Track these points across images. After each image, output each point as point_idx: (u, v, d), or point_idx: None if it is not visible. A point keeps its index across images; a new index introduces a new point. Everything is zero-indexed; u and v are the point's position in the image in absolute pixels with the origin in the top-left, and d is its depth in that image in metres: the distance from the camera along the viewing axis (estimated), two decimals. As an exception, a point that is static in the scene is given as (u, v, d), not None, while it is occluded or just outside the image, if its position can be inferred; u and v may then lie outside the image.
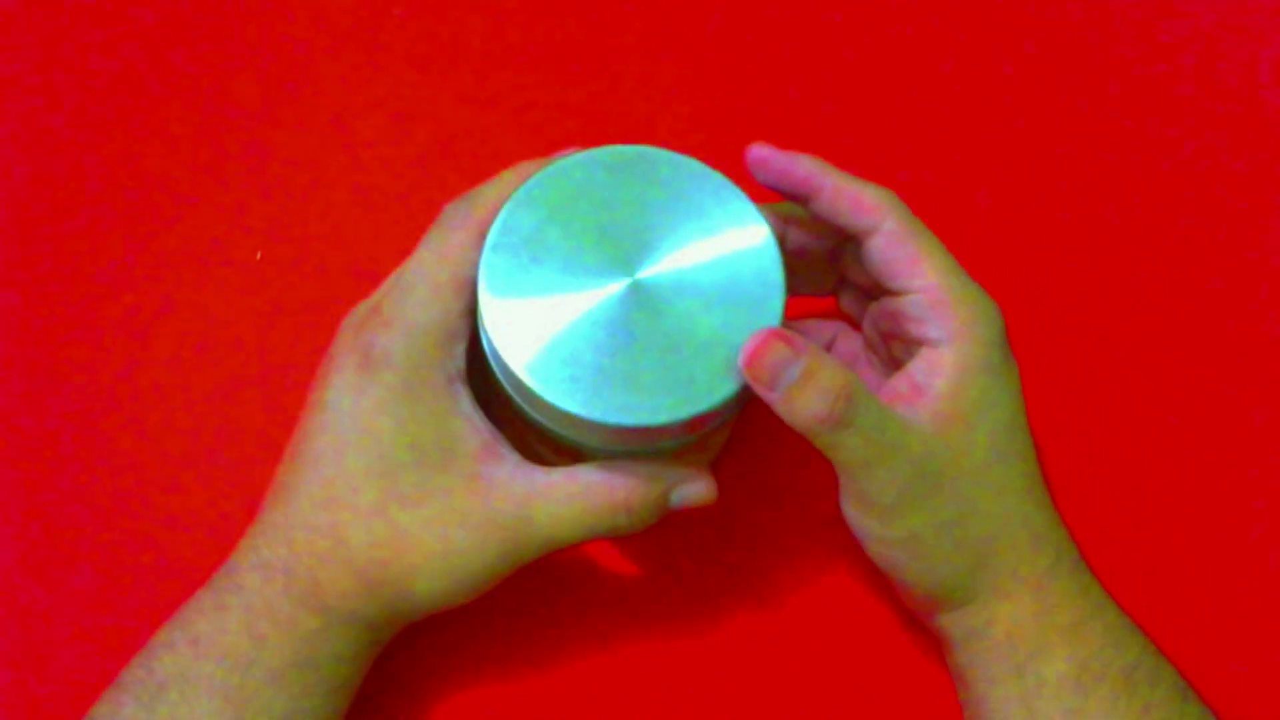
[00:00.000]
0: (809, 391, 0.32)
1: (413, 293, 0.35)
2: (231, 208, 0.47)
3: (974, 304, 0.35)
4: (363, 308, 0.37)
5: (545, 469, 0.34)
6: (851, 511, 0.35)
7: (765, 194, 0.36)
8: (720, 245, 0.34)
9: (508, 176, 0.36)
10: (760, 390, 0.32)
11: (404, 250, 0.37)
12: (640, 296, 0.33)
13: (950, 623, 0.36)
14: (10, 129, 0.48)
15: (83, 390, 0.44)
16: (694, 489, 0.35)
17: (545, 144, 0.48)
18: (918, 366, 0.35)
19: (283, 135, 0.49)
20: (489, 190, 0.36)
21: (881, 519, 0.34)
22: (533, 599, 0.41)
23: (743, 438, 0.43)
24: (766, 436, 0.43)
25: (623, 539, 0.42)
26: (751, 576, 0.42)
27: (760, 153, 0.36)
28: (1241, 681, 0.41)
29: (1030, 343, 0.46)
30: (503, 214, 0.34)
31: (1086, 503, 0.43)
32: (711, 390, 0.32)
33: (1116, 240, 0.48)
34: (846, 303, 0.41)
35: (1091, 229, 0.48)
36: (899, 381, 0.36)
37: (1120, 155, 0.50)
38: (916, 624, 0.40)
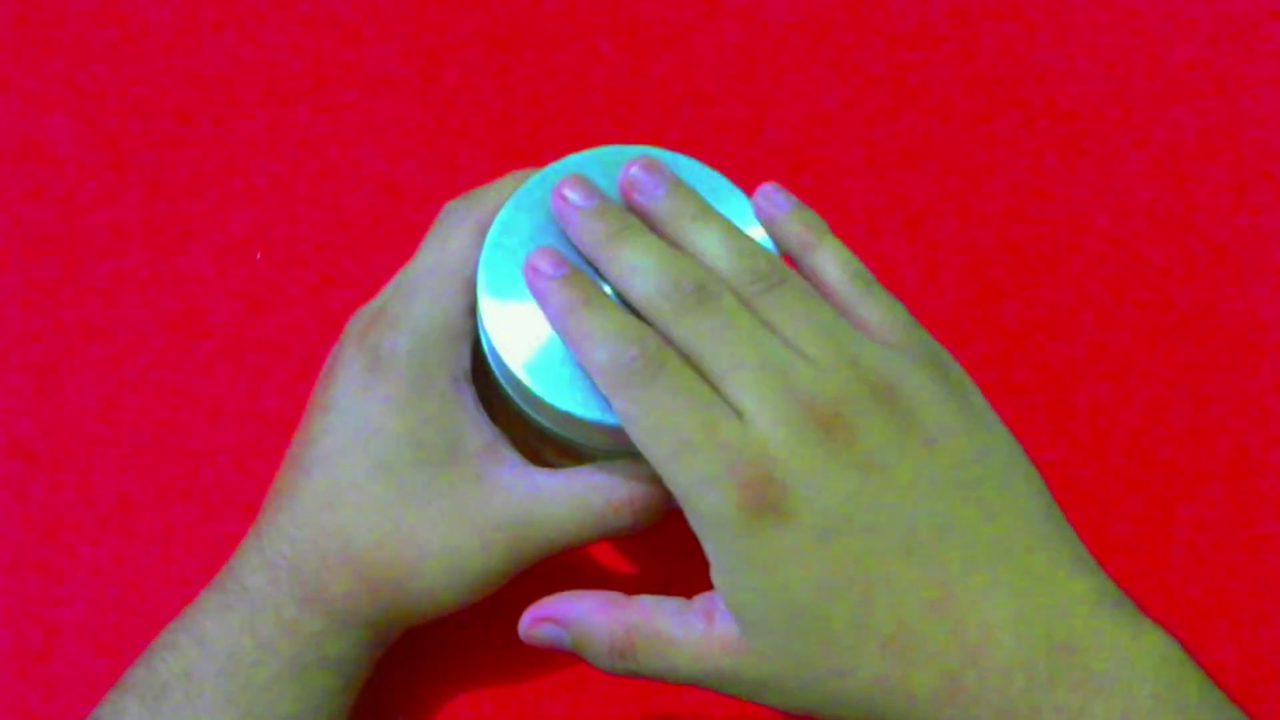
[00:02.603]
0: (587, 652, 0.32)
1: (417, 294, 0.35)
2: (231, 208, 0.47)
3: (691, 492, 0.29)
4: (368, 309, 0.37)
5: (547, 470, 0.35)
6: None
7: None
8: None
9: (508, 178, 0.36)
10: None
11: (404, 250, 0.37)
12: None
13: None
14: (9, 128, 0.48)
15: (83, 390, 0.44)
16: None
17: (545, 143, 0.48)
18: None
19: (283, 134, 0.49)
20: (489, 190, 0.36)
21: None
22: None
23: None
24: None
25: (623, 539, 0.42)
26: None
27: (758, 201, 0.34)
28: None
29: (1026, 346, 0.46)
30: (502, 214, 0.34)
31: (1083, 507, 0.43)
32: None
33: (1112, 245, 0.48)
34: None
35: (1085, 232, 0.48)
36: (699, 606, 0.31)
37: (1115, 158, 0.50)
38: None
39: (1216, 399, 0.45)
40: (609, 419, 0.32)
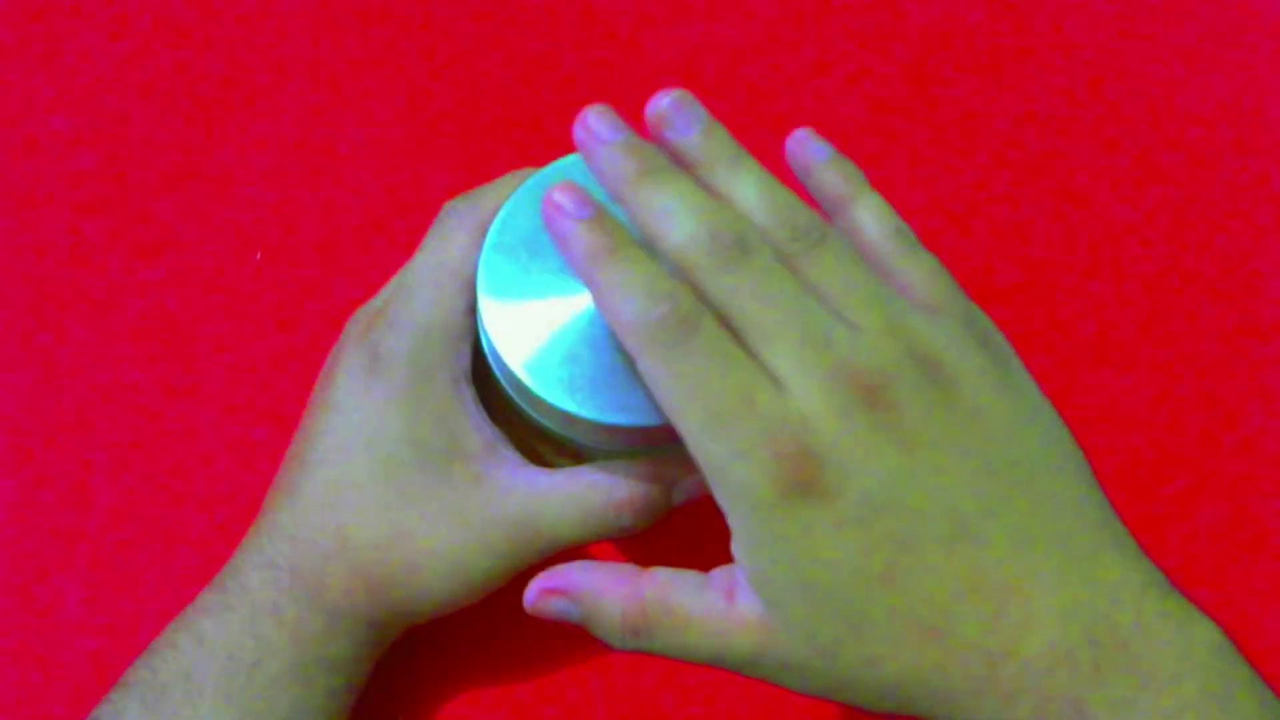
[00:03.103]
0: (598, 627, 0.30)
1: (418, 293, 0.35)
2: (231, 208, 0.47)
3: (723, 464, 0.27)
4: (367, 309, 0.37)
5: (546, 470, 0.35)
6: None
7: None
8: None
9: (508, 178, 0.36)
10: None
11: (404, 249, 0.37)
12: None
13: None
14: (9, 128, 0.48)
15: (83, 390, 0.44)
16: (695, 486, 0.35)
17: (545, 143, 0.48)
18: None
19: (283, 135, 0.49)
20: (489, 190, 0.36)
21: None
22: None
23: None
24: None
25: (623, 539, 0.42)
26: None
27: (791, 147, 0.32)
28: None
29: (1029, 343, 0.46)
30: (502, 214, 0.34)
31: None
32: None
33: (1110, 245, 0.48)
34: None
35: (1083, 231, 0.48)
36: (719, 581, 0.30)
37: (1112, 159, 0.50)
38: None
39: (1224, 396, 0.46)
40: (609, 419, 0.32)
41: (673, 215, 0.28)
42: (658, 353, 0.27)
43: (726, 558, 0.42)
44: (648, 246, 0.28)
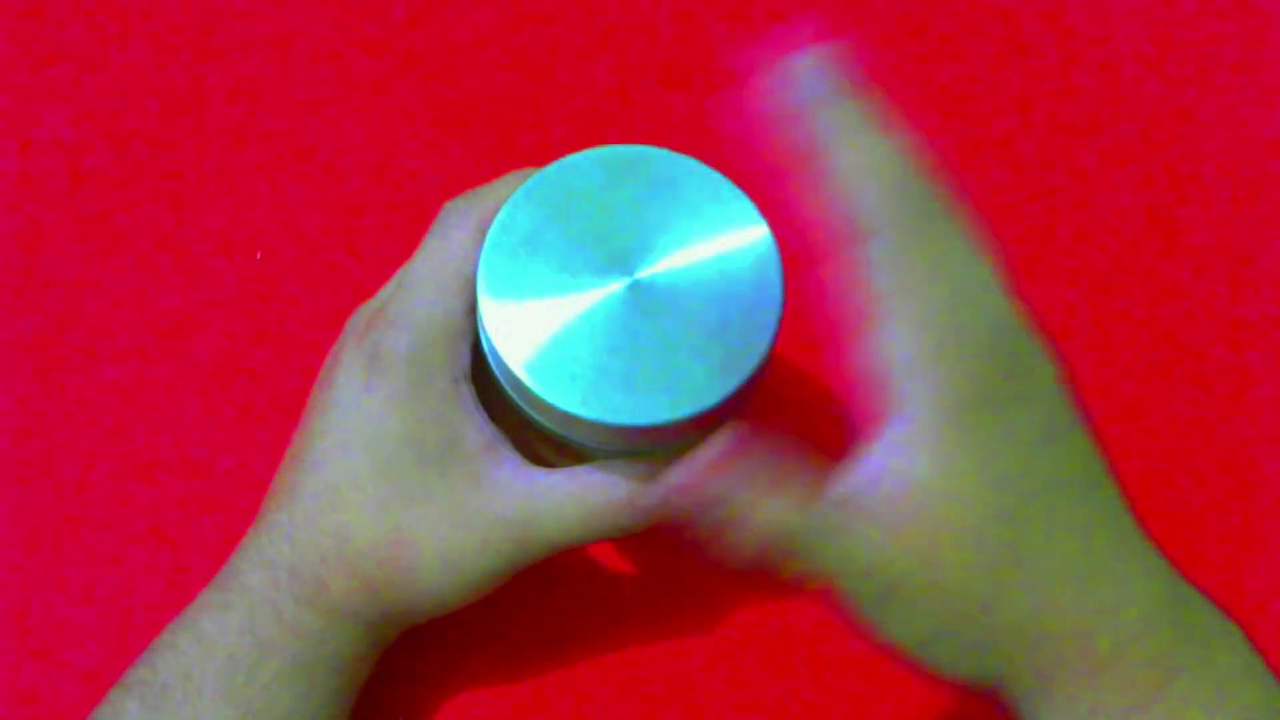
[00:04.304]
0: (741, 535, 0.30)
1: (418, 293, 0.35)
2: (231, 208, 0.47)
3: (933, 357, 0.27)
4: (367, 308, 0.37)
5: (546, 470, 0.35)
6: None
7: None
8: (719, 244, 0.34)
9: (507, 178, 0.36)
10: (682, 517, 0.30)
11: (404, 250, 0.37)
12: (639, 296, 0.33)
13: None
14: (10, 127, 0.48)
15: (83, 390, 0.44)
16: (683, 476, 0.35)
17: (545, 143, 0.48)
18: (869, 459, 0.28)
19: (282, 134, 0.49)
20: (489, 190, 0.36)
21: (874, 627, 0.30)
22: (532, 599, 0.41)
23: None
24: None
25: (623, 539, 0.42)
26: (753, 575, 0.42)
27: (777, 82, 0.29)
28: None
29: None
30: (502, 214, 0.34)
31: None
32: (710, 389, 0.32)
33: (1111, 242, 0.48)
34: None
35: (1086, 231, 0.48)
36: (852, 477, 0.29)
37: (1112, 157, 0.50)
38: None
39: (1210, 399, 0.46)
40: (609, 419, 0.32)
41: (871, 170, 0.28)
42: (894, 236, 0.27)
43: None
44: None
